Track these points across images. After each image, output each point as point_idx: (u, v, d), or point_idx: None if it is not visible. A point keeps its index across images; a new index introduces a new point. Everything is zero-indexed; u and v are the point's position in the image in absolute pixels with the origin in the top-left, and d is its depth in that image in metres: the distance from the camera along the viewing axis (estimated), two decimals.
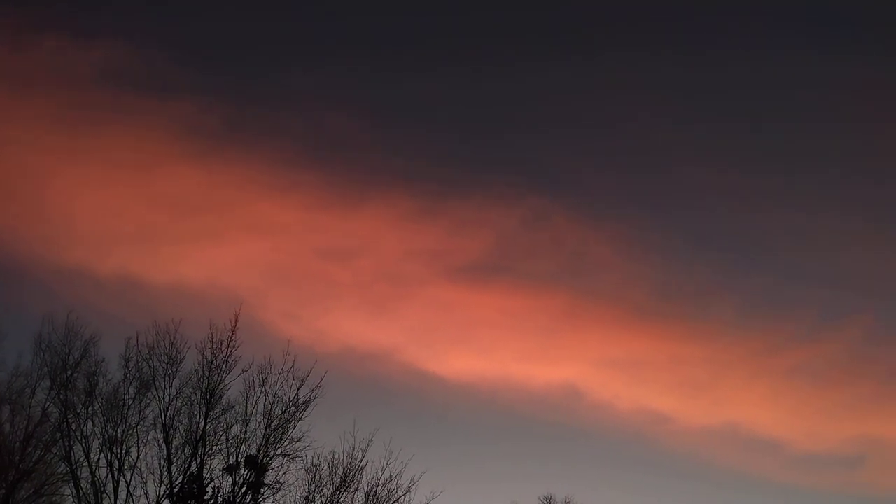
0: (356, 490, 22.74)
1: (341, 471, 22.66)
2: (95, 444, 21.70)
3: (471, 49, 62.66)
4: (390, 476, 22.81)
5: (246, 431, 22.13)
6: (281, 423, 22.28)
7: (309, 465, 22.51)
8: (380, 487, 22.80)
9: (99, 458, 21.54)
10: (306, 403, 22.66)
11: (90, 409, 22.12)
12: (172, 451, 21.63)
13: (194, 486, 21.26)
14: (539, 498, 43.18)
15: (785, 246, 69.49)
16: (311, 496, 22.26)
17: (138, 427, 21.96)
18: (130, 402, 22.20)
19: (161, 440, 21.76)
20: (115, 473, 21.31)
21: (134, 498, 21.26)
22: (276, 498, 22.05)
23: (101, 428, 21.86)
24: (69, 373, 22.30)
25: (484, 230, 63.31)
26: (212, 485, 21.61)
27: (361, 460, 22.84)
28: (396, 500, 22.79)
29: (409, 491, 22.83)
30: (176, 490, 21.29)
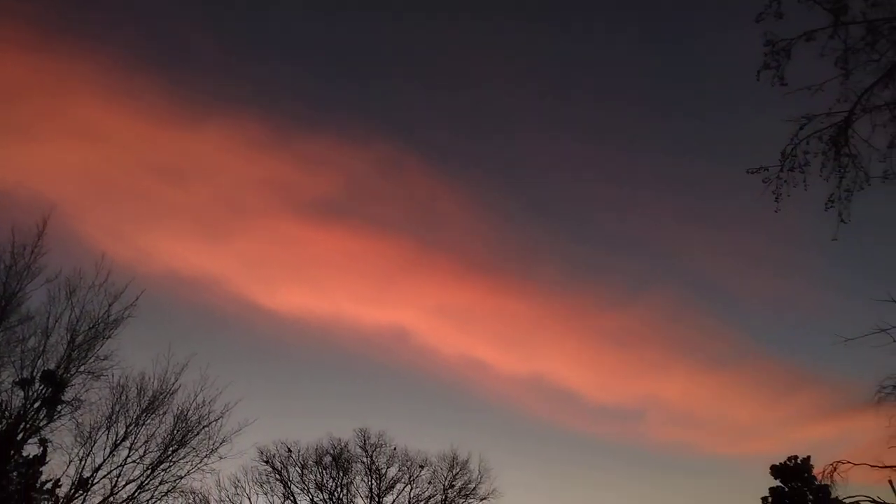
0: (165, 413, 22.15)
1: (150, 393, 21.92)
2: None
3: None
4: (203, 401, 22.49)
5: (46, 345, 20.55)
6: (87, 340, 20.94)
7: (115, 385, 21.52)
8: (191, 412, 22.39)
9: None
10: (118, 321, 21.44)
11: None
12: None
13: None
14: (354, 430, 44.49)
15: (606, 217, 75.64)
16: (114, 416, 21.33)
17: None
18: None
19: None
20: None
21: None
22: (75, 416, 20.88)
23: None
24: None
25: (334, 169, 62.41)
26: None
27: (174, 384, 22.24)
28: (208, 426, 22.55)
29: (222, 417, 22.66)
30: None
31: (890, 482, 30.11)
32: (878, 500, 28.11)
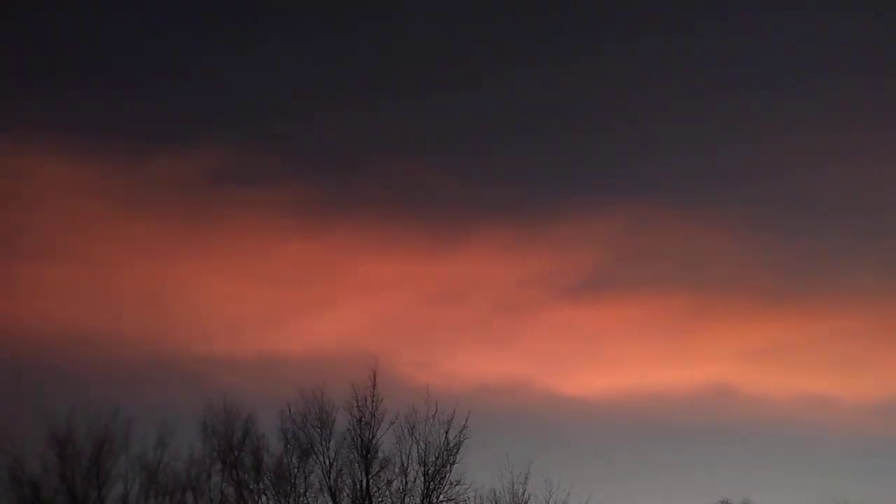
0: None
1: None
2: None
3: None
4: None
5: (405, 483, 22.72)
6: (437, 469, 22.67)
7: None
8: None
9: None
10: (457, 446, 22.98)
11: (260, 484, 23.42)
12: None
13: None
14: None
15: None
16: None
17: (307, 493, 23.04)
18: (295, 470, 23.33)
19: (329, 503, 22.70)
20: None
21: None
22: None
23: (274, 500, 23.09)
24: (236, 453, 23.68)
25: (588, 245, 62.78)
26: None
27: (523, 495, 22.94)
28: None
29: None
30: None
31: None
32: None
